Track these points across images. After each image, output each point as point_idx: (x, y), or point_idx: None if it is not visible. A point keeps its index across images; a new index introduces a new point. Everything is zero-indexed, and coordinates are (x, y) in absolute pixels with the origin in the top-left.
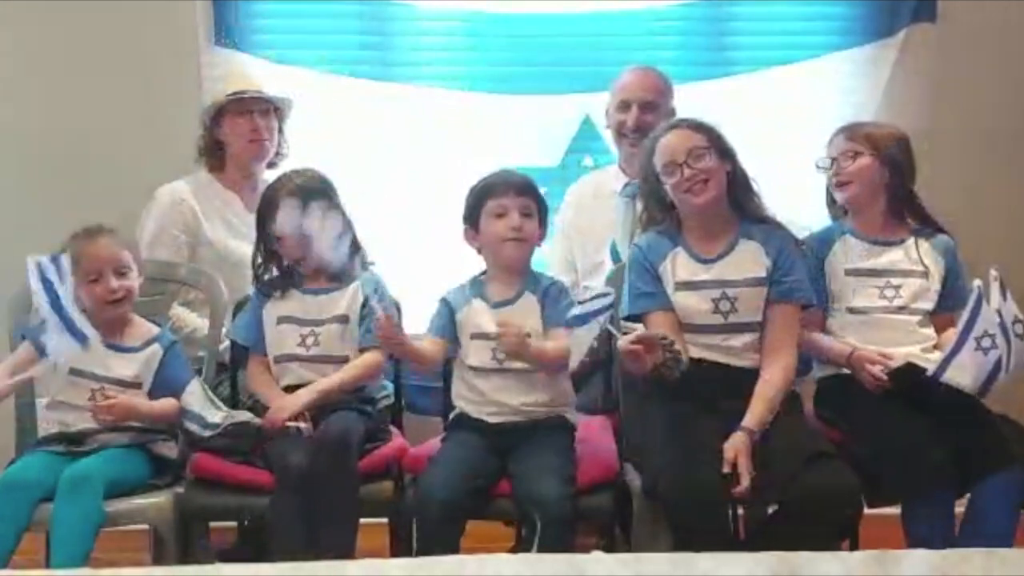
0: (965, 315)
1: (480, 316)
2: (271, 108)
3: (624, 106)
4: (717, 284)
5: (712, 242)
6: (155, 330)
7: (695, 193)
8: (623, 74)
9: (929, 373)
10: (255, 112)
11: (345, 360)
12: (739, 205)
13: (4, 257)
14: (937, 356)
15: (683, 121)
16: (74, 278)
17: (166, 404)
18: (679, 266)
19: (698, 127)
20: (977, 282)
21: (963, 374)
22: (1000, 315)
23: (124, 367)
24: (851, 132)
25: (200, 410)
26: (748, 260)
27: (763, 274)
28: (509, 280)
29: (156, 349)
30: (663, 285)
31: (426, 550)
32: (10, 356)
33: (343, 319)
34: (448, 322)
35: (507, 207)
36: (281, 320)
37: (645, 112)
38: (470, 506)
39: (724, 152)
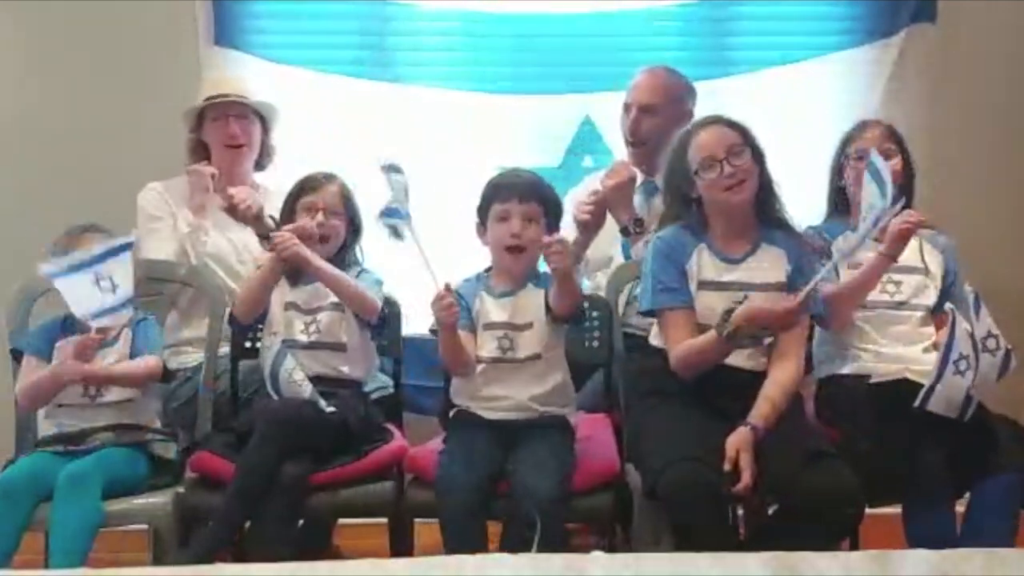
0: (944, 342)
1: (487, 306)
2: (250, 111)
3: (626, 109)
4: (740, 286)
5: (735, 243)
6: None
7: (734, 191)
8: (635, 74)
9: (916, 405)
10: (231, 116)
11: (343, 347)
12: (763, 208)
13: (3, 257)
14: (934, 357)
15: (717, 119)
16: None
17: (140, 363)
18: (704, 264)
19: (732, 124)
20: (949, 306)
21: (944, 401)
22: (972, 333)
23: (106, 358)
24: (887, 130)
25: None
26: (770, 264)
27: (783, 279)
28: (511, 276)
29: (127, 333)
30: (687, 281)
31: (453, 549)
32: (23, 375)
33: (339, 306)
34: (468, 317)
35: (510, 212)
36: (288, 306)
37: (642, 116)
38: (490, 502)
39: (756, 152)
